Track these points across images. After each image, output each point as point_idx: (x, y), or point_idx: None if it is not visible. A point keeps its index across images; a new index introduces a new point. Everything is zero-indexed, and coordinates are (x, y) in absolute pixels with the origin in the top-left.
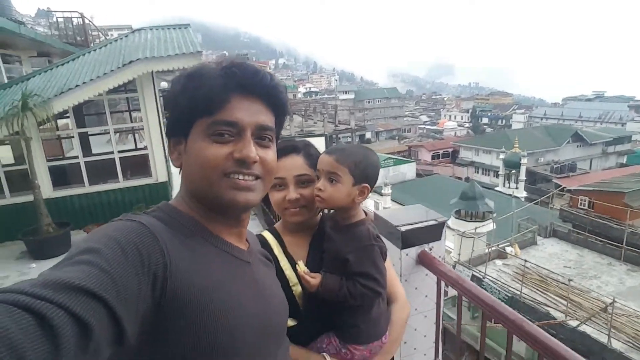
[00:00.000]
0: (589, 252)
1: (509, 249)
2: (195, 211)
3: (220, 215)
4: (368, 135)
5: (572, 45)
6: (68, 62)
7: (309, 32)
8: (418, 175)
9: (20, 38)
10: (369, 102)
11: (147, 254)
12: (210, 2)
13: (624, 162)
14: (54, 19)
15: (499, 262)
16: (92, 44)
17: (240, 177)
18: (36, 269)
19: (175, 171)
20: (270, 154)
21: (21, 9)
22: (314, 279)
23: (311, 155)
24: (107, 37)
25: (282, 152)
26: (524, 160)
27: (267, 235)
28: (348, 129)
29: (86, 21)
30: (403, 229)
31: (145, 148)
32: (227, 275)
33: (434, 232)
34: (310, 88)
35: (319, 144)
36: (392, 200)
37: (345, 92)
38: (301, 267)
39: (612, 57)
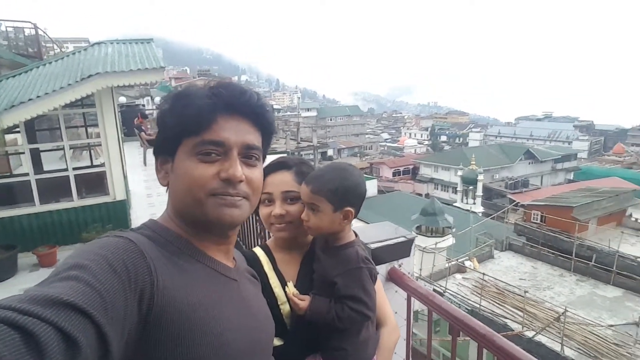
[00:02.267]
0: (542, 264)
1: (467, 263)
2: (182, 229)
3: (207, 233)
4: (330, 152)
5: (523, 67)
6: (20, 74)
7: (272, 50)
8: (380, 191)
9: None
10: (331, 120)
11: (135, 271)
12: (171, 18)
13: (572, 178)
14: (3, 28)
15: (458, 276)
16: (45, 56)
17: (227, 196)
18: None
19: (134, 189)
20: (257, 172)
21: None
22: (303, 302)
23: (302, 173)
24: (63, 50)
25: (273, 168)
26: (480, 177)
27: (259, 251)
28: (310, 146)
29: (40, 32)
30: (373, 246)
31: (102, 165)
32: (214, 293)
33: (403, 249)
34: (272, 105)
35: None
36: (357, 218)
37: (308, 110)
38: (290, 288)
39: (559, 80)
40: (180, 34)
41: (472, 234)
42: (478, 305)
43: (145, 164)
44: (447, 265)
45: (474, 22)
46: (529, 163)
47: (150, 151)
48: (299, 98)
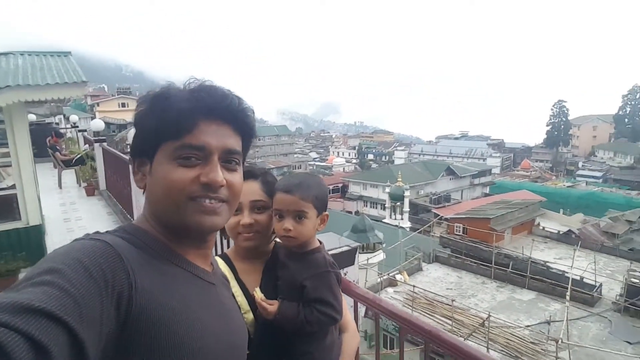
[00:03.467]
0: (466, 274)
1: (398, 277)
2: (161, 232)
3: (185, 237)
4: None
5: (441, 88)
6: None
7: (193, 67)
8: None
9: None
10: (259, 140)
11: (112, 274)
12: (80, 30)
13: (487, 192)
14: None
15: (390, 289)
16: None
17: (207, 200)
18: None
19: (49, 214)
20: (237, 177)
21: None
22: (272, 306)
23: (268, 182)
24: None
25: None
26: (407, 193)
27: (219, 260)
28: None
29: None
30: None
31: (12, 187)
32: (193, 296)
33: (348, 258)
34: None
35: None
36: None
37: None
38: (258, 294)
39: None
40: (96, 48)
41: (401, 248)
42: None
43: (60, 186)
44: (379, 279)
45: (394, 43)
46: (450, 179)
47: (65, 173)
48: None
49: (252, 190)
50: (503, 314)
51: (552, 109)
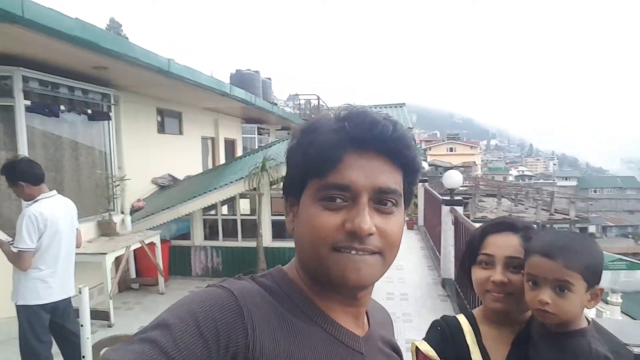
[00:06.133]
0: None
1: None
2: (306, 283)
3: (332, 292)
4: (592, 229)
5: None
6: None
7: (524, 115)
8: None
9: (272, 115)
10: (595, 192)
11: (226, 333)
12: (427, 86)
13: None
14: (299, 101)
15: None
16: None
17: (353, 252)
18: None
19: None
20: (393, 222)
21: (278, 94)
22: None
23: (530, 239)
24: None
25: (497, 227)
26: None
27: (462, 319)
28: (566, 220)
29: (321, 102)
30: (637, 350)
31: None
32: None
33: None
34: (523, 171)
35: None
36: (622, 312)
37: (566, 179)
38: None
39: None
40: (434, 100)
41: None
42: None
43: None
44: None
45: None
46: None
47: None
48: (554, 165)
49: (510, 244)
50: None
51: None
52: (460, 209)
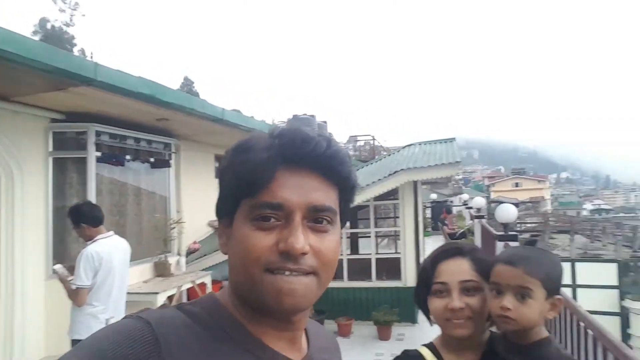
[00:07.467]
0: None
1: None
2: (238, 308)
3: (265, 317)
4: None
5: None
6: None
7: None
8: None
9: None
10: None
11: None
12: (489, 120)
13: None
14: (356, 143)
15: None
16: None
17: (287, 273)
18: None
19: None
20: (329, 240)
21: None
22: None
23: (479, 260)
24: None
25: (445, 255)
26: None
27: (425, 351)
28: None
29: (376, 143)
30: None
31: (399, 253)
32: None
33: None
34: (599, 205)
35: (609, 271)
36: None
37: None
38: None
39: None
40: (499, 134)
41: None
42: None
43: None
44: None
45: None
46: None
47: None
48: (637, 197)
49: (462, 268)
50: None
51: None
52: (514, 244)
